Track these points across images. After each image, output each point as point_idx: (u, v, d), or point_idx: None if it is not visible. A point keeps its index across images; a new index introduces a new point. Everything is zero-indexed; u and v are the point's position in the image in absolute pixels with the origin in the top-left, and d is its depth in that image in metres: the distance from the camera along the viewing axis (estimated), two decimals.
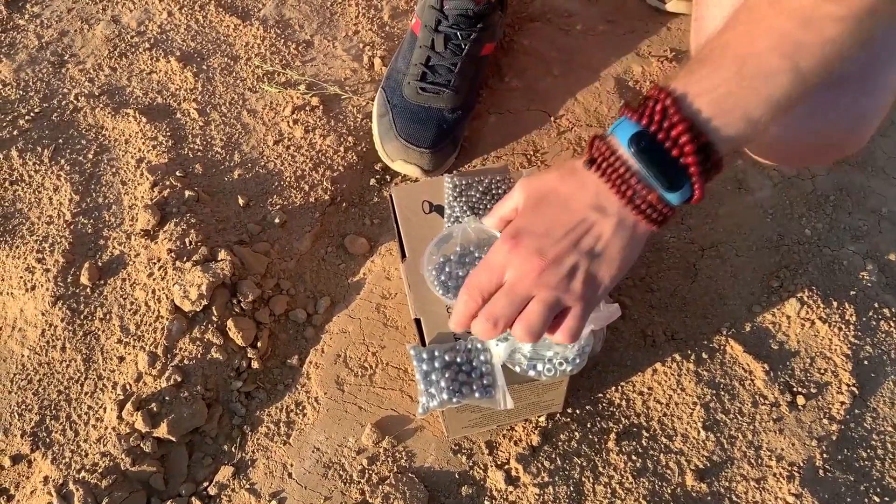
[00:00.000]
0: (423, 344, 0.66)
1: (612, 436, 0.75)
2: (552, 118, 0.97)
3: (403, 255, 0.71)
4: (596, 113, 0.97)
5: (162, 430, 0.74)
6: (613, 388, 0.78)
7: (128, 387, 0.78)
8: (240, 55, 1.03)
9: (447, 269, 0.65)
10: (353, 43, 1.04)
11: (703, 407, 0.77)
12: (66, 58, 1.03)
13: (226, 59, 1.03)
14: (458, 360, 0.64)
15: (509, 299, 0.52)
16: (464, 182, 0.73)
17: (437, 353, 0.64)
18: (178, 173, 0.91)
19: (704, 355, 0.80)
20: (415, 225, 0.72)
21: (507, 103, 0.98)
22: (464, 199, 0.72)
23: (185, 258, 0.83)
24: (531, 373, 0.63)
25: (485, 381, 0.63)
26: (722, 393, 0.78)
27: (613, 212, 0.51)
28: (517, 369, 0.63)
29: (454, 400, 0.62)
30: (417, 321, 0.67)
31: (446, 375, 0.63)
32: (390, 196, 0.74)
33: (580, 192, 0.52)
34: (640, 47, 1.03)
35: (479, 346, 0.64)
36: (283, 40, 1.04)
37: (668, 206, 0.50)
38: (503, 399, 0.63)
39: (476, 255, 0.65)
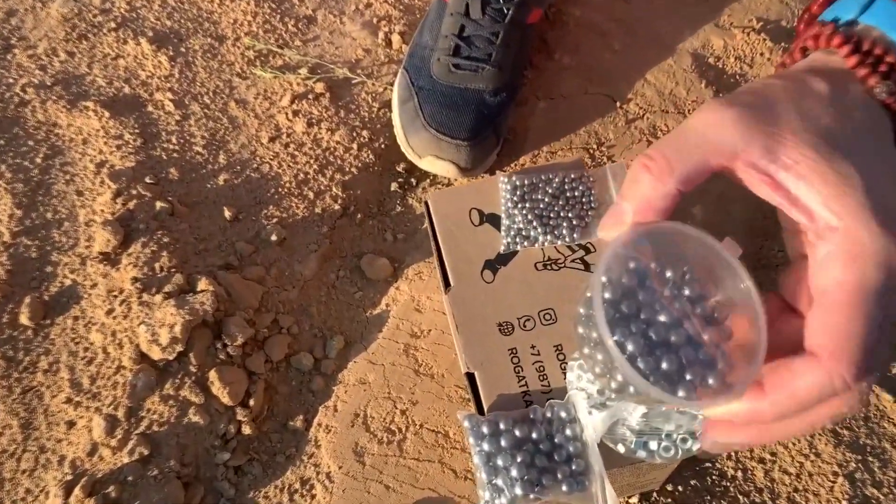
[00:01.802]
0: (481, 411, 0.47)
1: None
2: (617, 103, 0.78)
3: (447, 285, 0.52)
4: (672, 96, 0.78)
5: None
6: (726, 454, 0.59)
7: (78, 462, 0.59)
8: (226, 35, 0.84)
9: (640, 312, 0.32)
10: (364, 17, 0.85)
11: (846, 478, 0.57)
12: (12, 41, 0.84)
13: (209, 39, 0.84)
14: (535, 435, 0.45)
15: None
16: (526, 182, 0.54)
17: (503, 426, 0.45)
18: (147, 180, 0.72)
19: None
20: (461, 242, 0.53)
21: (558, 86, 0.79)
22: (527, 206, 0.53)
23: (154, 289, 0.64)
24: (640, 453, 0.43)
25: (574, 467, 0.44)
26: (870, 459, 0.58)
27: None
28: (620, 448, 0.43)
29: (531, 496, 0.43)
30: (470, 377, 0.48)
31: (518, 459, 0.44)
32: (426, 205, 0.55)
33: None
34: (718, 17, 0.83)
35: (562, 414, 0.45)
36: (278, 16, 0.85)
37: None
38: (601, 492, 0.44)
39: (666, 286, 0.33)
